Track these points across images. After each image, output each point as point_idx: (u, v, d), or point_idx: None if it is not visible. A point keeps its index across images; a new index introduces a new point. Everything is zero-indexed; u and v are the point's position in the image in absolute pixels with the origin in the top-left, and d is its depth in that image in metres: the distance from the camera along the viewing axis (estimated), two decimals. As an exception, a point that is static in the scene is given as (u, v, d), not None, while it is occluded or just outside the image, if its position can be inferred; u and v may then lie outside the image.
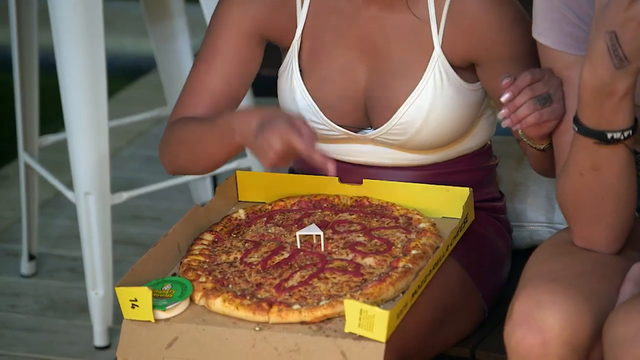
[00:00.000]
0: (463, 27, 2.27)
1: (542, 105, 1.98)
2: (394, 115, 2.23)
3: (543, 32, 2.06)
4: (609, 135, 1.93)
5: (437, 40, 2.27)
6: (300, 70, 2.30)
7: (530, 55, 2.23)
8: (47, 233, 3.41)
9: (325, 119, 2.27)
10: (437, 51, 2.27)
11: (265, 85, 2.61)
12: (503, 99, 2.00)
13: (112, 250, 2.93)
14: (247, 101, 2.79)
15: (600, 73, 1.89)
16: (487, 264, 2.33)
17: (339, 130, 2.28)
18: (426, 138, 2.26)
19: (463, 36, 2.26)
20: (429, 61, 2.27)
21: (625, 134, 1.92)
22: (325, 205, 2.30)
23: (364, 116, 2.28)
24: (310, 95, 2.28)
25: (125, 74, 4.20)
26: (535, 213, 2.53)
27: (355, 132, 2.29)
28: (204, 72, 2.36)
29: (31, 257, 3.33)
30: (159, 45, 3.19)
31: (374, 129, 2.29)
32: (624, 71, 1.86)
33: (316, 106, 2.27)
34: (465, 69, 2.28)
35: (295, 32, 2.31)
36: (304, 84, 2.29)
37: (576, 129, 1.96)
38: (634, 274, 2.00)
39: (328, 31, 2.30)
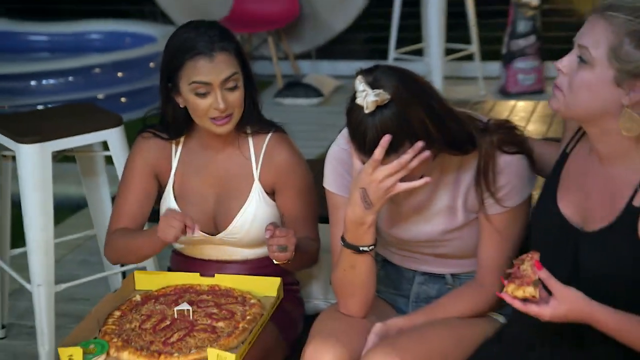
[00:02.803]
0: (272, 167, 2.24)
1: (281, 251, 2.03)
2: (232, 222, 2.25)
3: (330, 183, 2.09)
4: (361, 248, 1.95)
5: (256, 174, 2.25)
6: (175, 195, 2.28)
7: (308, 191, 2.27)
8: (14, 310, 3.28)
9: None
10: (256, 182, 2.24)
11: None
12: (266, 235, 2.05)
13: (55, 321, 2.81)
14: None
15: (357, 211, 1.91)
16: (288, 323, 2.30)
17: (199, 234, 2.18)
18: (252, 236, 2.25)
19: (270, 172, 2.25)
20: (251, 187, 2.24)
21: (369, 248, 1.96)
22: (191, 290, 2.24)
23: (214, 225, 2.27)
24: (180, 209, 2.26)
25: (69, 208, 4.07)
26: (317, 291, 2.49)
27: (209, 235, 2.25)
28: (124, 199, 2.34)
29: (3, 326, 3.18)
30: (89, 191, 3.13)
31: (220, 233, 2.25)
32: (370, 211, 1.90)
33: None
34: (273, 193, 2.25)
35: (170, 172, 2.28)
36: (176, 203, 2.27)
37: (342, 243, 1.97)
38: (375, 329, 1.97)
39: (191, 170, 2.29)
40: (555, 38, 6.05)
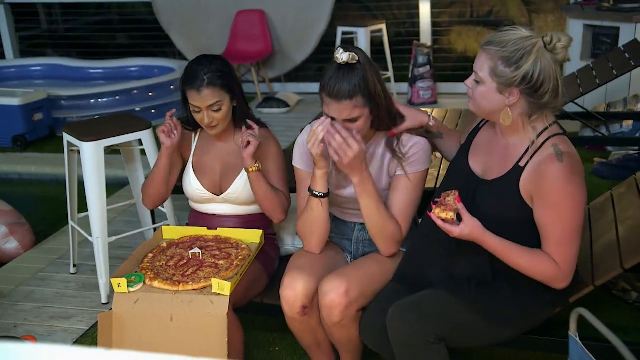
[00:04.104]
0: (259, 150, 2.14)
1: (251, 136, 2.05)
2: (231, 186, 2.20)
3: (297, 162, 2.03)
4: (314, 192, 1.89)
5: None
6: (193, 168, 2.23)
7: (282, 165, 2.20)
8: (82, 254, 3.22)
9: (203, 188, 2.21)
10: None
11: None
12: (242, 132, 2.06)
13: (109, 262, 2.77)
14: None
15: (314, 170, 1.86)
16: (268, 261, 2.25)
17: (208, 194, 2.20)
18: (244, 197, 2.20)
19: (258, 152, 2.14)
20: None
21: (322, 194, 1.89)
22: (201, 239, 2.22)
23: (219, 189, 2.21)
24: (197, 177, 2.22)
25: (117, 185, 4.01)
26: (288, 240, 2.43)
27: (215, 195, 2.22)
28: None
29: (74, 265, 3.12)
30: (129, 174, 3.07)
31: (222, 194, 2.20)
32: (315, 167, 1.87)
33: (199, 183, 2.22)
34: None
35: (191, 152, 2.24)
36: (194, 173, 2.22)
37: (308, 191, 1.92)
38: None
39: (204, 152, 2.25)
40: (443, 67, 6.10)
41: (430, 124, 2.03)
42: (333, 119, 1.83)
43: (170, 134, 2.17)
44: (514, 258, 1.66)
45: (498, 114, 1.69)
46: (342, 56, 1.76)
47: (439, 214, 1.63)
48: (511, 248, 1.66)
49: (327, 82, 1.80)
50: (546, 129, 1.68)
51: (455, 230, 1.64)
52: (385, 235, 1.92)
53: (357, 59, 1.78)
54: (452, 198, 1.64)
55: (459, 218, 1.65)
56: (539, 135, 1.68)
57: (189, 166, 2.25)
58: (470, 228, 1.63)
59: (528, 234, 1.69)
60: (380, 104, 1.84)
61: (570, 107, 4.00)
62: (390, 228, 1.91)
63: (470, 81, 1.71)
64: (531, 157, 1.66)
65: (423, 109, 2.20)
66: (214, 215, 2.27)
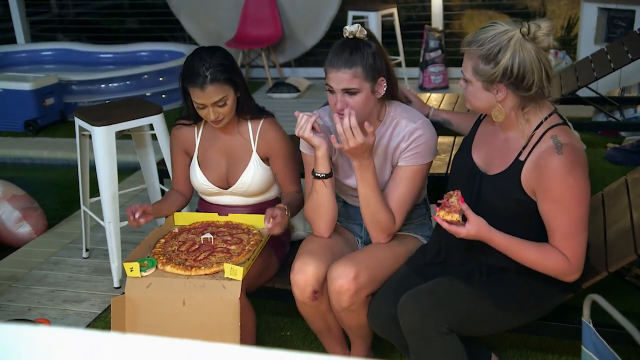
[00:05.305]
0: (265, 142, 2.16)
1: (282, 228, 2.02)
2: (238, 180, 2.19)
3: (304, 147, 2.02)
4: (316, 174, 1.90)
5: (254, 147, 2.17)
6: (198, 163, 2.21)
7: (291, 157, 2.19)
8: (94, 238, 3.24)
9: (209, 183, 2.21)
10: (254, 153, 2.17)
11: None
12: (268, 225, 2.00)
13: (120, 246, 2.79)
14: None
15: (315, 152, 1.88)
16: (279, 246, 2.25)
17: (216, 188, 2.20)
18: (252, 189, 2.19)
19: (264, 145, 2.16)
20: (251, 157, 2.17)
21: (324, 175, 1.90)
22: (212, 225, 2.22)
23: (226, 182, 2.20)
24: (202, 172, 2.21)
25: (128, 170, 4.04)
26: (299, 225, 2.41)
27: (223, 189, 2.21)
28: (174, 170, 2.32)
29: (87, 250, 3.14)
30: (141, 159, 3.06)
31: (230, 188, 2.19)
32: (315, 150, 1.88)
33: (205, 178, 2.21)
34: (266, 159, 2.17)
35: (195, 148, 2.22)
36: (200, 168, 2.21)
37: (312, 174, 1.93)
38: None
39: (208, 145, 2.22)
40: (454, 52, 6.03)
41: (430, 113, 2.10)
42: (332, 91, 1.83)
43: (137, 221, 2.10)
44: (522, 254, 1.64)
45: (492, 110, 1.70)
46: (350, 27, 1.78)
47: (444, 217, 1.62)
48: (519, 244, 1.64)
49: (331, 53, 1.83)
50: (543, 120, 1.66)
51: (462, 231, 1.62)
52: (378, 224, 1.91)
53: (366, 33, 1.79)
54: (455, 199, 1.63)
55: (464, 218, 1.63)
56: (537, 127, 1.65)
57: (194, 161, 2.23)
58: (476, 228, 1.62)
59: (534, 227, 1.67)
60: (390, 81, 1.86)
61: (584, 92, 3.96)
62: (384, 218, 1.90)
63: (462, 81, 1.72)
64: (531, 151, 1.64)
65: (435, 94, 2.19)
66: (222, 205, 2.27)
